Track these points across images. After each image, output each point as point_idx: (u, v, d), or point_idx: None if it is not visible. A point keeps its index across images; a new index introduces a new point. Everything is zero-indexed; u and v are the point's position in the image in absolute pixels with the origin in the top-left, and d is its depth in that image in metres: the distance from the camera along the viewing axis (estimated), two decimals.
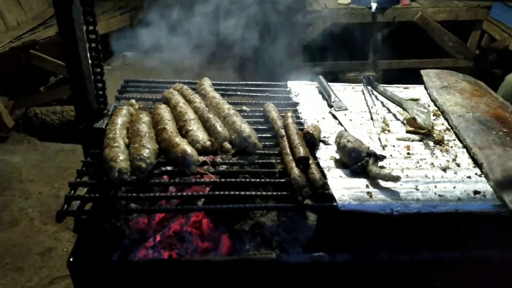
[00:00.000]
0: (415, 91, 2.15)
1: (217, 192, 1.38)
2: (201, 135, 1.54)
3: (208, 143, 1.52)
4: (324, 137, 1.70)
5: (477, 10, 4.30)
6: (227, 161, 1.54)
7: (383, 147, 1.68)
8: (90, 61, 1.55)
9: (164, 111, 1.67)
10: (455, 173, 1.53)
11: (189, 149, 1.44)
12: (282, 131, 1.65)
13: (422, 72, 2.24)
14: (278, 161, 1.54)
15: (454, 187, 1.45)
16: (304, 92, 2.09)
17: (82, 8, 1.42)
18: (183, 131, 1.58)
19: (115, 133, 1.51)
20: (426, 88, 2.14)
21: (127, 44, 6.03)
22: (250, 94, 2.06)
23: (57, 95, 4.53)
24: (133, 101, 1.78)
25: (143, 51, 5.92)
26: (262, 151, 1.59)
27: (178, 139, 1.48)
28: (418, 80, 2.25)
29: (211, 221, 1.63)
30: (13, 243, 3.04)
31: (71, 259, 1.35)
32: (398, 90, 2.14)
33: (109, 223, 1.50)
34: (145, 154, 1.41)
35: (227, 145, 1.55)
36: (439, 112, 1.93)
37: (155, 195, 1.39)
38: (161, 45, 5.74)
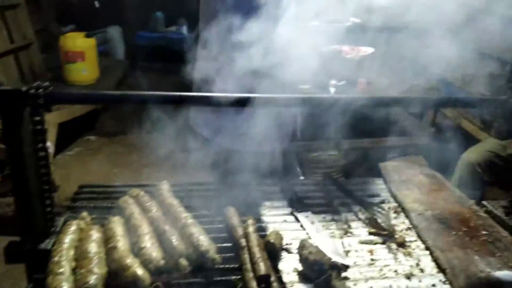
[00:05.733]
0: (375, 185, 2.17)
1: None
2: (154, 253, 1.45)
3: (162, 262, 1.43)
4: (287, 244, 1.65)
5: (428, 91, 4.57)
6: (182, 281, 1.45)
7: (346, 253, 1.63)
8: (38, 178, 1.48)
9: (117, 225, 1.58)
10: (420, 281, 1.49)
11: (140, 272, 1.34)
12: (243, 241, 1.59)
13: (381, 165, 2.28)
14: (239, 277, 1.46)
15: None
16: (265, 190, 2.06)
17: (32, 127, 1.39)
18: (136, 248, 1.49)
19: (61, 255, 1.40)
20: (385, 182, 2.16)
21: (92, 127, 6.01)
22: (211, 194, 2.01)
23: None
24: (85, 214, 1.69)
25: (108, 134, 5.90)
26: (222, 266, 1.51)
27: (129, 260, 1.39)
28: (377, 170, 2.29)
29: None
30: None
31: None
32: (358, 185, 2.15)
33: None
34: (91, 282, 1.30)
35: (183, 262, 1.46)
36: (399, 209, 1.94)
37: None
38: (127, 128, 5.73)
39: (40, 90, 1.38)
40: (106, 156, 5.28)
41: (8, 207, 4.18)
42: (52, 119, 4.73)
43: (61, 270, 1.34)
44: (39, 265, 1.43)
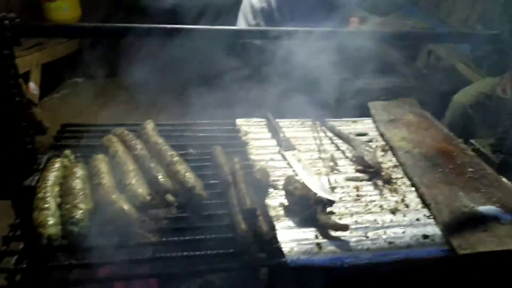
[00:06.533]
0: (364, 124, 2.15)
1: (157, 255, 1.29)
2: (140, 189, 1.44)
3: (148, 197, 1.43)
4: (274, 181, 1.65)
5: (423, 32, 4.45)
6: (170, 216, 1.46)
7: (333, 189, 1.64)
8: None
9: (101, 163, 1.56)
10: (404, 215, 1.52)
11: (126, 207, 1.34)
12: (230, 178, 1.58)
13: (370, 104, 2.25)
14: (226, 212, 1.47)
15: (403, 232, 1.43)
16: (253, 130, 2.04)
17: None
18: (121, 185, 1.47)
19: (46, 192, 1.39)
20: (374, 121, 2.14)
21: (78, 69, 5.84)
22: (198, 134, 1.98)
23: None
24: (68, 152, 1.65)
25: (95, 76, 5.74)
26: (209, 201, 1.52)
27: (114, 196, 1.38)
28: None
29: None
30: None
31: None
32: (347, 124, 2.13)
33: None
34: (77, 217, 1.29)
35: (169, 197, 1.47)
36: (387, 147, 1.93)
37: (90, 262, 1.27)
38: (114, 70, 5.58)
39: (6, 21, 1.29)
40: (93, 98, 5.18)
41: None
42: (35, 60, 4.57)
43: (46, 205, 1.33)
44: (25, 201, 1.42)
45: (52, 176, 1.47)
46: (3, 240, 1.34)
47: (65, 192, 1.42)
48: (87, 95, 5.26)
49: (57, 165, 1.54)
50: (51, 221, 1.28)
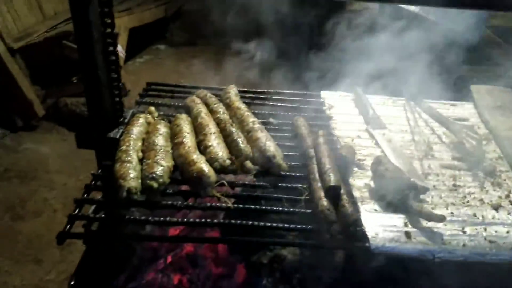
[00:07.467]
0: (464, 109, 1.92)
1: (233, 221, 1.24)
2: (220, 152, 1.39)
3: (228, 161, 1.37)
4: (359, 160, 1.53)
5: None
6: (247, 183, 1.40)
7: (426, 175, 1.48)
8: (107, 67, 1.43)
9: (184, 122, 1.53)
10: (509, 213, 1.32)
11: (206, 169, 1.30)
12: (312, 151, 1.48)
13: (473, 88, 2.00)
14: (305, 186, 1.38)
15: (507, 232, 1.25)
16: (338, 104, 1.91)
17: (100, 9, 1.31)
18: (202, 146, 1.44)
19: (129, 145, 1.39)
20: (476, 107, 1.91)
21: (161, 37, 5.99)
22: (279, 104, 1.89)
23: None
24: (152, 108, 1.65)
25: (177, 44, 5.85)
26: (288, 173, 1.43)
27: (195, 156, 1.35)
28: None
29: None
30: (35, 234, 3.01)
31: (72, 283, 1.24)
32: (445, 107, 1.92)
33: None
34: (157, 173, 1.28)
35: (248, 164, 1.40)
36: (490, 136, 1.71)
37: (165, 219, 1.25)
38: (196, 39, 5.63)
39: None
40: (174, 66, 5.30)
41: (83, 106, 4.41)
42: (123, 24, 4.73)
43: (128, 158, 1.33)
44: (108, 153, 1.44)
45: (136, 130, 1.47)
46: (85, 188, 1.37)
47: (147, 147, 1.41)
48: (169, 62, 5.39)
49: (141, 120, 1.54)
50: (132, 174, 1.27)
